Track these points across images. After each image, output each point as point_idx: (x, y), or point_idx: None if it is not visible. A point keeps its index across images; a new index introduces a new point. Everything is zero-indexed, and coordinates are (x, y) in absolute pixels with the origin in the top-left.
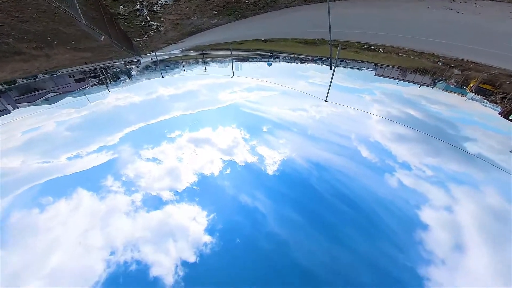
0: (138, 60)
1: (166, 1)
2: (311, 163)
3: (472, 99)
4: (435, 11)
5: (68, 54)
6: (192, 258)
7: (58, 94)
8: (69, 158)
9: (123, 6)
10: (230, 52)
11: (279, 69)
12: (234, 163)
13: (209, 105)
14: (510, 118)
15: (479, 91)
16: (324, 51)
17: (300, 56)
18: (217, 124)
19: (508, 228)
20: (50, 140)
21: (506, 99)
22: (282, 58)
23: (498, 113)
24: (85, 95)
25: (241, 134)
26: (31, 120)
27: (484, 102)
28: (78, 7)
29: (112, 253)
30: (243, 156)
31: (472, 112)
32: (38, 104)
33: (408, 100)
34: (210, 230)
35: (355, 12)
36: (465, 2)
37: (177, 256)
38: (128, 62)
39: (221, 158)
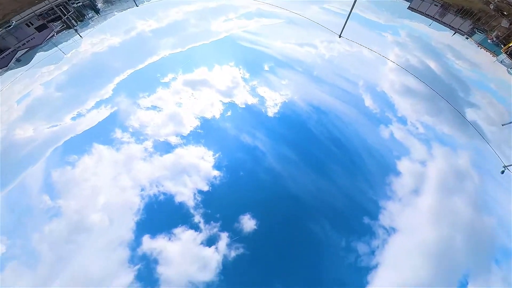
0: None
1: None
2: (312, 107)
3: (501, 62)
4: None
5: None
6: (205, 188)
7: (27, 51)
8: (73, 118)
9: None
10: None
11: None
12: (235, 105)
13: (201, 39)
14: None
15: None
16: None
17: None
18: (212, 62)
19: (462, 186)
20: (46, 104)
21: None
22: None
23: None
24: (56, 46)
25: (240, 73)
26: (17, 87)
27: (511, 69)
28: None
29: (142, 189)
30: (243, 97)
31: (493, 77)
32: (13, 68)
33: (434, 50)
34: (217, 167)
35: None
36: None
37: (193, 187)
38: None
39: (220, 101)
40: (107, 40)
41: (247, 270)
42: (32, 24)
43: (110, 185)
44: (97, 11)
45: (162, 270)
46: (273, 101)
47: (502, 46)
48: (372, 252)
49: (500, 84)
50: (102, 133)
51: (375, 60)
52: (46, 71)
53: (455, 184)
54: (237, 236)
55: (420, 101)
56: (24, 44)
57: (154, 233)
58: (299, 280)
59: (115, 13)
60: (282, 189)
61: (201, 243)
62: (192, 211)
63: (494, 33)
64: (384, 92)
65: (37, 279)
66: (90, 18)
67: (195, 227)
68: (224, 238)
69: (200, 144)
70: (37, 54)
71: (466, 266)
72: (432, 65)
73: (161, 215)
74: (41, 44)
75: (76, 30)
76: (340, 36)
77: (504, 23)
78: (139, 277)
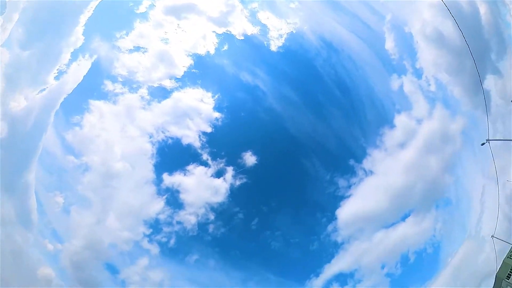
0: None
1: None
2: (323, 42)
3: None
4: None
5: None
6: (208, 130)
7: None
8: (57, 78)
9: None
10: None
11: None
12: (231, 36)
13: None
14: None
15: None
16: None
17: None
18: None
19: (442, 148)
20: (21, 68)
21: None
22: None
23: None
24: None
25: None
26: None
27: None
28: None
29: (150, 137)
30: (241, 26)
31: None
32: None
33: None
34: (218, 108)
35: None
36: None
37: (197, 129)
38: None
39: (214, 32)
40: None
41: (249, 194)
42: None
43: (121, 137)
44: None
45: (184, 196)
46: (278, 32)
47: None
48: (349, 186)
49: None
50: (93, 88)
51: None
52: None
53: (437, 145)
54: (240, 169)
55: (446, 54)
56: None
57: (171, 171)
58: (289, 201)
59: None
60: (280, 128)
61: (211, 176)
62: (199, 151)
63: None
64: (411, 34)
65: (96, 215)
66: None
67: (204, 164)
68: (229, 171)
69: (197, 85)
70: None
71: (414, 206)
72: (482, 10)
73: (173, 156)
74: None
75: None
76: None
77: None
78: (168, 203)
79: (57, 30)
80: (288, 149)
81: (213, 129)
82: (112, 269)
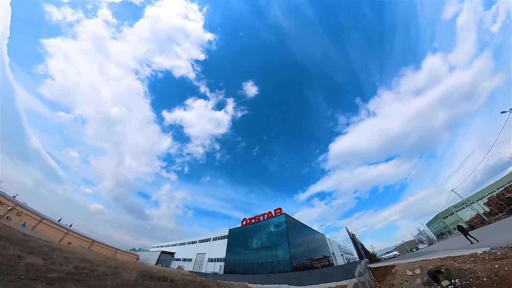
0: None
1: None
2: None
3: None
4: None
5: None
6: (201, 56)
7: None
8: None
9: None
10: None
11: None
12: None
13: None
14: None
15: None
16: None
17: None
18: None
19: (456, 106)
20: None
21: None
22: None
23: None
24: None
25: None
26: None
27: None
28: None
29: (136, 73)
30: None
31: None
32: None
33: None
34: (209, 27)
35: None
36: None
37: (187, 57)
38: None
39: None
40: None
41: (250, 125)
42: None
43: (104, 80)
44: None
45: (188, 131)
46: None
47: None
48: (347, 124)
49: None
50: (36, 22)
51: None
52: None
53: (455, 101)
54: (241, 100)
55: None
56: None
57: (169, 108)
58: (288, 131)
59: None
60: (285, 52)
61: (212, 109)
62: (195, 83)
63: None
64: None
65: (113, 159)
66: None
67: (203, 97)
68: (230, 103)
69: None
70: None
71: (400, 152)
72: None
73: (168, 92)
74: None
75: None
76: None
77: None
78: (175, 138)
79: None
80: (292, 78)
81: (207, 56)
82: (144, 195)
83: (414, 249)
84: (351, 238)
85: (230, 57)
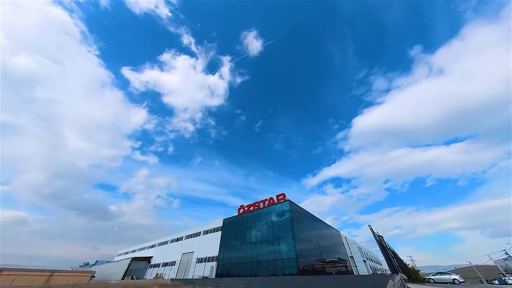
0: None
1: None
2: None
3: None
4: None
5: None
6: None
7: None
8: None
9: None
10: None
11: None
12: None
13: None
14: None
15: None
16: None
17: None
18: None
19: None
20: None
21: None
22: None
23: None
24: None
25: None
26: None
27: None
28: None
29: None
30: None
31: None
32: None
33: None
34: None
35: None
36: None
37: None
38: None
39: None
40: None
41: (253, 93)
42: None
43: None
44: None
45: (170, 100)
46: None
47: None
48: (387, 91)
49: None
50: None
51: None
52: None
53: None
54: (240, 57)
55: None
56: None
57: (135, 64)
58: (299, 102)
59: None
60: None
61: (203, 71)
62: (172, 28)
63: None
64: None
65: (47, 137)
66: None
67: (188, 52)
68: (226, 63)
69: None
70: None
71: (477, 131)
72: None
73: (127, 37)
74: None
75: None
76: None
77: None
78: (151, 111)
79: None
80: (312, 21)
81: None
82: (108, 187)
83: (497, 282)
84: (377, 240)
85: None
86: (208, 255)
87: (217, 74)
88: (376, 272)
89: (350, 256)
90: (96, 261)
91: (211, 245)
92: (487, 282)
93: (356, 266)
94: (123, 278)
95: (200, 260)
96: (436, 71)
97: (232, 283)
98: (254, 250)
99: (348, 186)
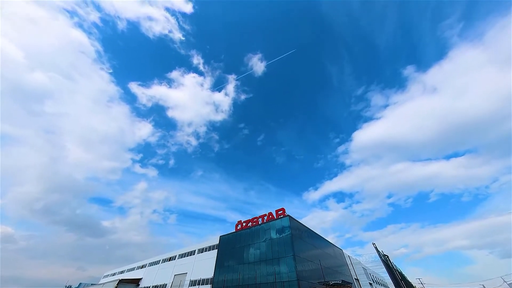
0: None
1: None
2: None
3: None
4: None
5: None
6: (187, 8)
7: None
8: None
9: None
10: None
11: None
12: None
13: None
14: None
15: None
16: None
17: None
18: None
19: None
20: None
21: None
22: None
23: None
24: None
25: None
26: None
27: None
28: None
29: (72, 15)
30: None
31: None
32: None
33: None
34: None
35: None
36: None
37: (164, 4)
38: None
39: None
40: None
41: (255, 108)
42: None
43: (11, 26)
44: None
45: (174, 114)
46: None
47: None
48: (385, 106)
49: None
50: None
51: None
52: None
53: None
54: (243, 75)
55: None
56: None
57: (144, 80)
58: (301, 116)
59: None
60: (307, 4)
61: (209, 89)
62: (183, 51)
63: None
64: None
65: (48, 149)
66: None
67: (196, 71)
68: (231, 81)
69: None
70: None
71: (477, 145)
72: None
73: (140, 57)
74: None
75: None
76: None
77: None
78: (157, 125)
79: None
80: (311, 43)
81: (196, 7)
82: (103, 201)
83: None
84: (382, 260)
85: (227, 12)
86: (202, 277)
87: (223, 92)
88: None
89: (355, 279)
90: (80, 283)
91: (206, 265)
92: None
93: None
94: None
95: (193, 283)
96: (430, 89)
97: None
98: (252, 272)
99: (350, 201)
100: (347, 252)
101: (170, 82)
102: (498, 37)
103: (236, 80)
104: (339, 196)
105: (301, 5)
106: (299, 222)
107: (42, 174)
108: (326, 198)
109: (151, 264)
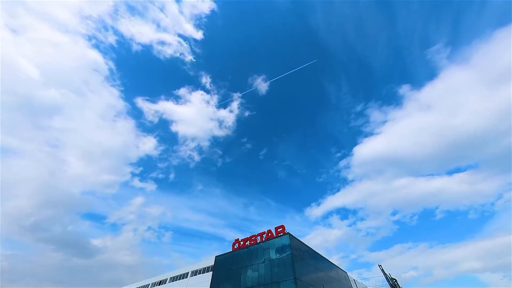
0: None
1: None
2: None
3: None
4: None
5: None
6: (198, 35)
7: None
8: None
9: None
10: None
11: None
12: None
13: None
14: None
15: None
16: None
17: None
18: None
19: None
20: None
21: None
22: None
23: None
24: None
25: None
26: None
27: None
28: None
29: (90, 38)
30: None
31: None
32: None
33: None
34: None
35: None
36: None
37: (176, 31)
38: None
39: None
40: None
41: (259, 123)
42: None
43: (29, 42)
44: None
45: (179, 128)
46: None
47: None
48: (383, 122)
49: None
50: None
51: None
52: None
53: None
54: (247, 91)
55: None
56: None
57: (151, 95)
58: (303, 132)
59: None
60: (306, 30)
61: (215, 106)
62: (192, 72)
63: None
64: None
65: (48, 162)
66: None
67: (203, 89)
68: (236, 98)
69: None
70: None
71: (479, 160)
72: None
73: (150, 76)
74: None
75: None
76: None
77: None
78: (161, 140)
79: None
80: (311, 64)
81: (205, 32)
82: (95, 217)
83: None
84: (390, 284)
85: (233, 39)
86: None
87: (228, 109)
88: None
89: None
90: None
91: None
92: None
93: None
94: None
95: None
96: (425, 106)
97: None
98: None
99: (355, 218)
100: (352, 275)
101: (177, 99)
102: (484, 60)
103: (241, 97)
104: (343, 213)
105: (300, 30)
106: (300, 241)
107: (37, 188)
108: (329, 214)
109: None
